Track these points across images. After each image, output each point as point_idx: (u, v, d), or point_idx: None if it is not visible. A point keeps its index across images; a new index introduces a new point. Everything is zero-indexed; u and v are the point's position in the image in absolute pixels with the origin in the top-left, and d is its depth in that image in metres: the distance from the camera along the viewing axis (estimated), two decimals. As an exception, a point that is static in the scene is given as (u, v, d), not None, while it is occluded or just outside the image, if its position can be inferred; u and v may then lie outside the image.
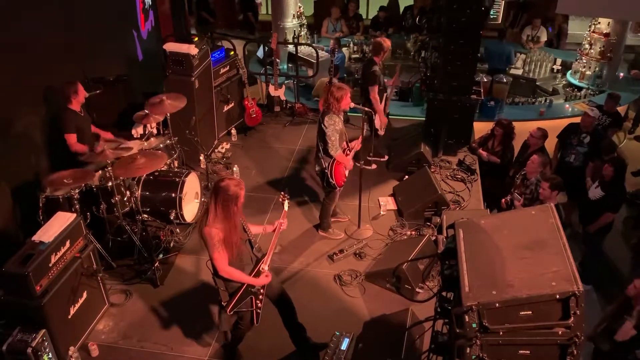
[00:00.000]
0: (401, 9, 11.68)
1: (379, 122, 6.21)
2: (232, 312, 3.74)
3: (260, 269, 3.76)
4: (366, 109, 5.23)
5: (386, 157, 6.75)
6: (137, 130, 5.85)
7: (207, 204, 3.62)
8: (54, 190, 4.81)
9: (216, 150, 6.99)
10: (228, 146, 7.09)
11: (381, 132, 6.34)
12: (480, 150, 6.69)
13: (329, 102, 4.93)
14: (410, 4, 11.43)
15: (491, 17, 10.73)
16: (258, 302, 3.79)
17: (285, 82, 8.37)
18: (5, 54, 4.82)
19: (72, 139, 5.17)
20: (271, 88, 7.84)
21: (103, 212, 5.07)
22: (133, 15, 7.17)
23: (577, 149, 6.68)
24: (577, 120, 7.51)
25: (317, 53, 7.94)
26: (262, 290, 3.80)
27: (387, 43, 6.19)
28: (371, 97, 6.08)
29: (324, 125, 4.94)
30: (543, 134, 6.25)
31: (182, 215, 5.42)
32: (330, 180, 5.09)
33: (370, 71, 6.10)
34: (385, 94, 6.31)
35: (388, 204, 6.01)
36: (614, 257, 6.71)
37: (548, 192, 5.11)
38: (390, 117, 7.89)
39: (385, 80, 6.48)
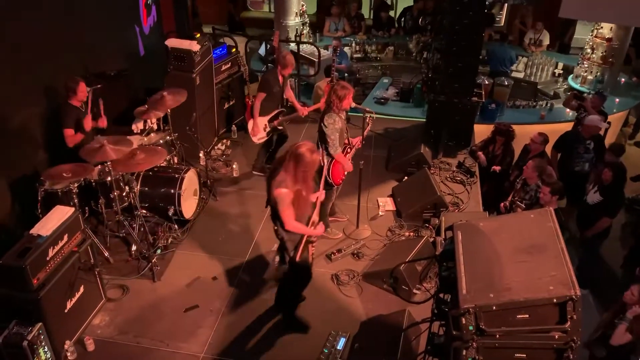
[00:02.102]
0: (399, 11, 11.70)
1: (250, 127, 6.14)
2: (299, 260, 4.08)
3: (313, 221, 4.10)
4: (367, 108, 5.22)
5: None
6: (137, 126, 5.85)
7: (282, 166, 3.84)
8: (53, 184, 4.81)
9: (216, 147, 6.98)
10: (228, 143, 7.09)
11: (255, 140, 6.23)
12: (479, 153, 6.69)
13: (331, 100, 4.93)
14: (409, 5, 11.43)
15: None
16: (312, 247, 4.19)
17: (287, 80, 8.35)
18: (7, 48, 4.81)
19: (69, 132, 5.13)
20: (272, 86, 7.82)
21: (101, 207, 5.07)
22: (135, 11, 7.16)
23: (584, 157, 6.70)
24: (570, 125, 7.54)
25: (318, 52, 7.93)
26: (315, 239, 4.21)
27: (290, 57, 6.08)
28: (255, 101, 6.04)
29: (324, 125, 4.95)
30: (544, 139, 6.25)
31: (180, 212, 5.42)
32: (328, 179, 5.09)
33: (265, 77, 6.12)
34: (280, 110, 6.20)
35: (387, 204, 6.01)
36: (612, 261, 6.71)
37: (548, 197, 5.11)
38: (391, 117, 7.91)
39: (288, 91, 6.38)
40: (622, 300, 4.44)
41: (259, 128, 6.13)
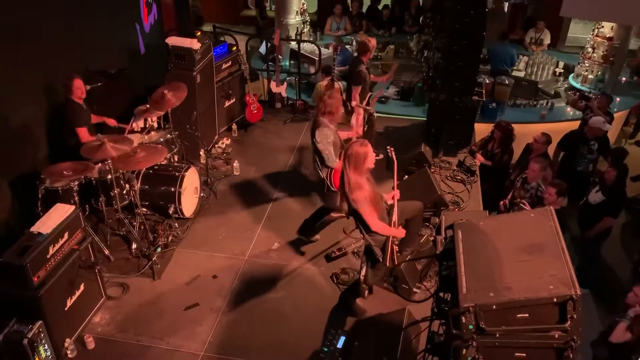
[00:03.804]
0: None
1: (354, 122, 6.16)
2: (389, 264, 4.14)
3: (394, 223, 4.11)
4: (367, 107, 5.22)
5: (381, 156, 6.68)
6: (138, 124, 5.85)
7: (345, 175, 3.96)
8: (53, 181, 4.80)
9: (216, 146, 6.98)
10: (228, 141, 7.09)
11: (359, 132, 6.26)
12: (478, 154, 6.68)
13: (325, 113, 4.84)
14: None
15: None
16: (395, 247, 4.17)
17: (287, 78, 8.36)
18: (7, 45, 4.80)
19: (83, 132, 5.15)
20: (273, 84, 7.83)
21: (102, 205, 5.07)
22: (136, 8, 7.15)
23: (588, 157, 6.73)
24: (576, 123, 7.53)
25: (319, 50, 7.93)
26: (397, 241, 4.21)
27: (372, 43, 6.16)
28: (352, 96, 6.07)
29: (316, 141, 4.88)
30: (547, 140, 6.24)
31: (180, 210, 5.42)
32: (332, 188, 5.04)
33: (356, 70, 6.07)
34: (370, 93, 6.26)
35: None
36: (612, 261, 6.72)
37: (554, 198, 5.12)
38: (391, 116, 7.91)
39: (372, 76, 6.49)
40: (625, 302, 4.44)
41: (358, 120, 6.16)
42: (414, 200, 5.50)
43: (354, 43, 10.34)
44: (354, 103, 6.17)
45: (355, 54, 6.40)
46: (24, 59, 5.01)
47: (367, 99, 6.24)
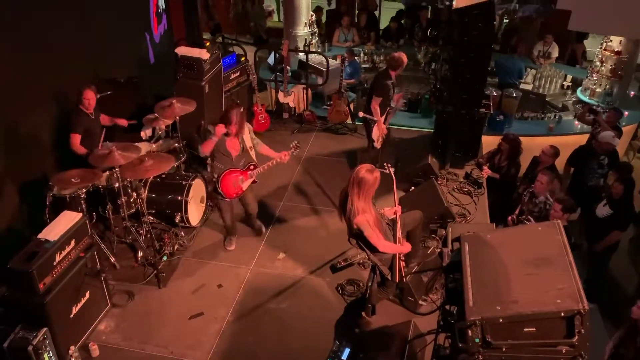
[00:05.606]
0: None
1: (377, 133, 6.17)
2: (399, 280, 4.16)
3: (399, 239, 4.15)
4: (369, 116, 5.22)
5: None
6: (146, 133, 5.89)
7: (348, 196, 3.93)
8: (61, 189, 4.83)
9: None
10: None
11: (377, 145, 6.27)
12: (485, 167, 6.66)
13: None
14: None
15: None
16: (402, 262, 4.20)
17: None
18: (17, 54, 4.86)
19: (75, 139, 5.20)
20: (280, 95, 7.87)
21: (109, 213, 5.09)
22: (146, 18, 7.23)
23: (599, 172, 6.69)
24: (584, 137, 7.50)
25: (327, 61, 7.97)
26: (403, 255, 4.21)
27: (404, 59, 6.16)
28: (371, 106, 6.03)
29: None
30: (555, 152, 6.21)
31: (187, 219, 5.43)
32: (218, 188, 5.03)
33: (382, 82, 6.05)
34: (387, 108, 6.24)
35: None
36: (620, 276, 6.65)
37: (560, 214, 5.08)
38: (399, 127, 7.92)
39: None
40: (631, 317, 4.38)
41: (380, 130, 6.18)
42: (416, 210, 5.51)
43: (362, 54, 10.39)
44: (360, 114, 6.20)
45: (384, 66, 6.30)
46: (34, 66, 5.07)
47: (385, 114, 6.20)
